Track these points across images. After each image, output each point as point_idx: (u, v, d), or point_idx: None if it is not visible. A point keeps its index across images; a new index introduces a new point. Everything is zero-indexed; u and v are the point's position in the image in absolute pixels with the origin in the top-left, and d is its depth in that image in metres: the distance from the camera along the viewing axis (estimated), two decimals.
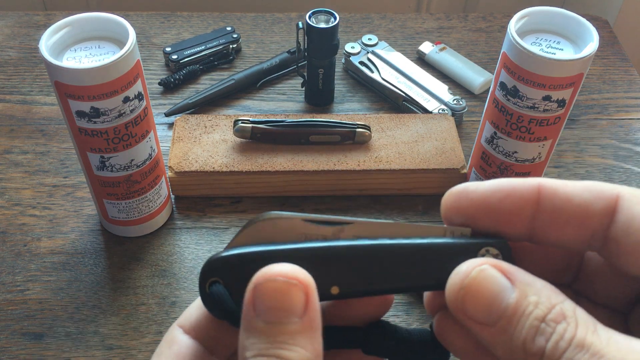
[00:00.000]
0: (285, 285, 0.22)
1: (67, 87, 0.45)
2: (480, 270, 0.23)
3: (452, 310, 0.23)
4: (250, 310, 0.23)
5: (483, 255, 0.25)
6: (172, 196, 0.61)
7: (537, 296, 0.22)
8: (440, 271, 0.25)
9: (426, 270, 0.25)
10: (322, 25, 0.64)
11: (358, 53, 0.73)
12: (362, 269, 0.25)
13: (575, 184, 0.24)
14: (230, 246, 0.25)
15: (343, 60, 0.74)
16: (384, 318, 0.28)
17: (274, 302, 0.22)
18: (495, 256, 0.25)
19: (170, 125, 0.68)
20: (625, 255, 0.23)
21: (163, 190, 0.57)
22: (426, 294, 0.28)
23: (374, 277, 0.25)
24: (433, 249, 0.25)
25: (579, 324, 0.21)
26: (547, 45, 0.50)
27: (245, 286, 0.23)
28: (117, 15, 0.48)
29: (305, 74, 0.69)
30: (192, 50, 0.73)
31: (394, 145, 0.61)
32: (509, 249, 0.25)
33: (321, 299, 0.24)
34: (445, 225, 0.26)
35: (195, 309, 0.27)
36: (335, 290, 0.25)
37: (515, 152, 0.54)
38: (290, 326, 0.22)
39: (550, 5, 0.51)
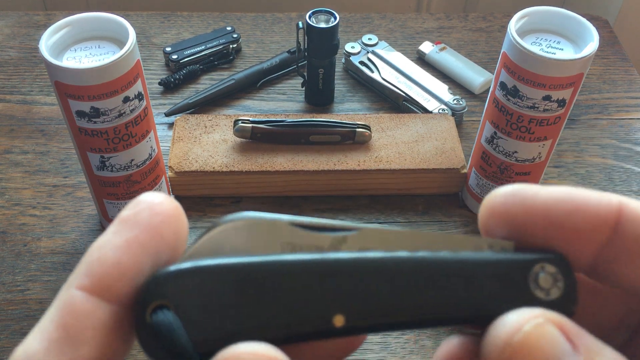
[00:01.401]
0: None
1: (67, 87, 0.45)
2: (536, 325, 0.17)
3: None
4: None
5: (537, 274, 0.19)
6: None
7: None
8: (481, 298, 0.18)
9: (461, 295, 0.18)
10: (322, 25, 0.64)
11: (358, 53, 0.73)
12: (373, 294, 0.18)
13: None
14: (186, 256, 0.18)
15: (343, 60, 0.74)
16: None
17: None
18: (553, 275, 0.19)
19: (170, 125, 0.68)
20: None
21: (163, 190, 0.57)
22: (445, 343, 0.21)
23: (391, 305, 0.18)
24: (470, 267, 0.19)
25: None
26: (547, 45, 0.50)
27: (207, 317, 0.17)
28: (117, 15, 0.48)
29: (305, 74, 0.69)
30: (192, 50, 0.73)
31: (394, 145, 0.61)
32: (569, 268, 0.19)
33: (320, 336, 0.18)
34: (480, 237, 0.20)
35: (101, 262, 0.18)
36: (339, 320, 0.18)
37: (515, 152, 0.54)
38: None
39: (550, 5, 0.51)
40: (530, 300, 0.18)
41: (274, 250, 0.19)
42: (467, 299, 0.18)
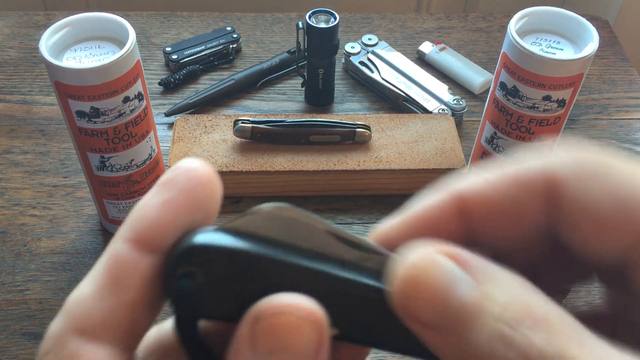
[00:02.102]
0: (297, 322, 0.17)
1: (67, 87, 0.45)
2: (424, 257, 0.18)
3: (397, 310, 0.18)
4: (245, 350, 0.17)
5: None
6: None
7: (503, 292, 0.17)
8: None
9: None
10: (322, 25, 0.64)
11: (358, 53, 0.73)
12: (368, 318, 0.19)
13: (496, 179, 0.22)
14: (223, 229, 0.19)
15: (343, 60, 0.74)
16: None
17: (281, 342, 0.17)
18: None
19: (170, 125, 0.68)
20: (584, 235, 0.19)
21: None
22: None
23: (384, 332, 0.19)
24: None
25: (560, 333, 0.16)
26: (547, 45, 0.50)
27: (224, 293, 0.19)
28: (117, 15, 0.48)
29: (305, 74, 0.69)
30: (192, 50, 0.73)
31: (394, 145, 0.61)
32: None
33: None
34: None
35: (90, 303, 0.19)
36: (333, 331, 0.19)
37: (515, 152, 0.54)
38: None
39: (550, 5, 0.51)
40: None
41: (301, 251, 0.19)
42: None
